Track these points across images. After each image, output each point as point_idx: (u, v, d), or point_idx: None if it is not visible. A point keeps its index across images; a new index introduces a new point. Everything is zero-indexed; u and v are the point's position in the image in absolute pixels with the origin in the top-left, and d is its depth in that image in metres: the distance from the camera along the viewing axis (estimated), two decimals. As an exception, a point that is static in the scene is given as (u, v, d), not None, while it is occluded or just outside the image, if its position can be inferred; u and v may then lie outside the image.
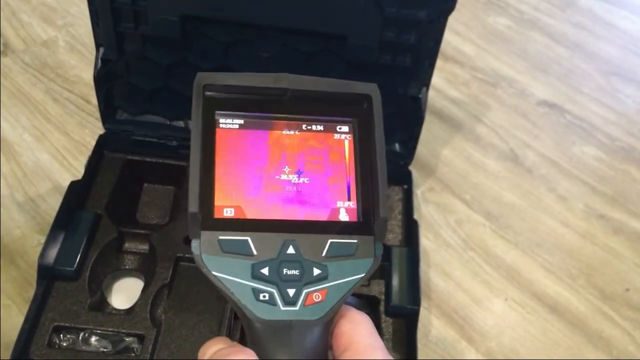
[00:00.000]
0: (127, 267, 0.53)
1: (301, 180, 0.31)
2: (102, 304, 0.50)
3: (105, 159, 0.58)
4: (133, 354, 0.47)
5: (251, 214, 0.30)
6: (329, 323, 0.29)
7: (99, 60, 0.54)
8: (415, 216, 0.57)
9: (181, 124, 0.59)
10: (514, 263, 0.59)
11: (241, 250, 0.29)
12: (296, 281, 0.29)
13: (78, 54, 0.72)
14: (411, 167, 0.60)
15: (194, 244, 0.29)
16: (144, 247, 0.54)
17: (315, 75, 0.31)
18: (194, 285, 0.50)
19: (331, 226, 0.31)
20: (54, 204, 0.57)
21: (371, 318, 0.50)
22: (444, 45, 0.51)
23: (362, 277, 0.30)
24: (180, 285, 0.50)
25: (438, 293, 0.56)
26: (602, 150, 0.69)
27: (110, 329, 0.47)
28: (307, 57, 0.53)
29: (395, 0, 0.48)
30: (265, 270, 0.29)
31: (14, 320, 0.49)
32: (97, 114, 0.58)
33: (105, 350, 0.47)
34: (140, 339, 0.47)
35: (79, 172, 0.59)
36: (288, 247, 0.29)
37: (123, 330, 0.47)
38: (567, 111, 0.73)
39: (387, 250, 0.53)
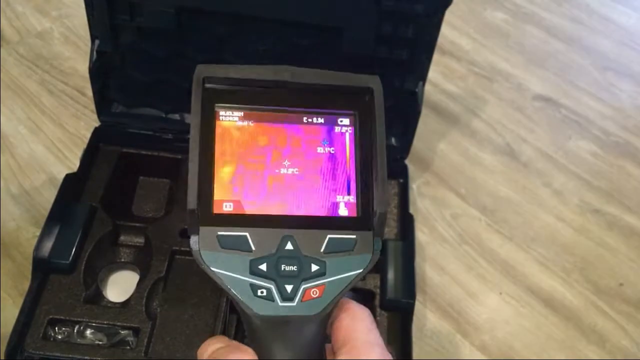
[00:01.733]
0: (123, 260, 0.53)
1: (301, 174, 0.31)
2: (97, 297, 0.50)
3: (100, 152, 0.57)
4: (128, 347, 0.47)
5: (250, 208, 0.30)
6: (326, 318, 0.29)
7: (94, 53, 0.54)
8: (411, 210, 0.58)
9: (177, 116, 0.59)
10: (509, 257, 0.59)
11: (240, 246, 0.29)
12: (294, 277, 0.29)
13: (73, 45, 0.72)
14: (407, 161, 0.60)
15: (193, 239, 0.29)
16: (139, 240, 0.53)
17: (312, 67, 0.31)
18: (190, 278, 0.50)
19: (330, 221, 0.31)
20: (48, 196, 0.57)
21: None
22: (441, 39, 0.51)
23: (360, 273, 0.30)
24: (176, 279, 0.50)
25: (433, 287, 0.56)
26: (598, 145, 0.70)
27: (105, 322, 0.47)
28: (303, 50, 0.53)
29: (393, -6, 0.48)
30: (263, 266, 0.29)
31: (9, 313, 0.49)
32: (93, 106, 0.58)
33: (100, 343, 0.47)
34: (136, 332, 0.47)
35: (74, 165, 0.59)
36: (286, 242, 0.29)
37: (118, 323, 0.47)
38: (562, 106, 0.73)
39: (383, 244, 0.53)
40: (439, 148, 0.67)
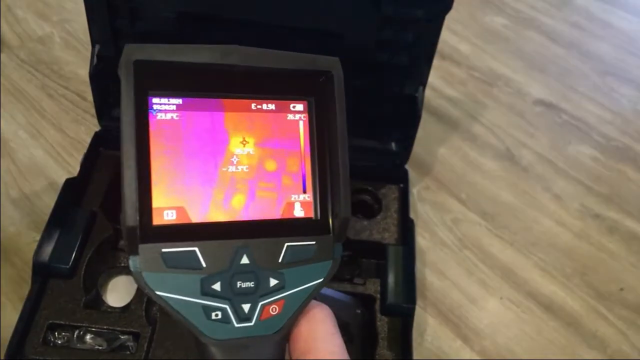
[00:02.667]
0: (123, 264, 0.53)
1: (251, 171, 0.27)
2: (97, 302, 0.50)
3: (100, 157, 0.58)
4: (128, 352, 0.47)
5: (196, 216, 0.26)
6: (287, 334, 0.27)
7: (95, 57, 0.54)
8: (411, 215, 0.58)
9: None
10: (510, 262, 0.59)
11: (188, 263, 0.25)
12: (251, 294, 0.26)
13: (74, 50, 0.72)
14: (407, 166, 0.60)
15: (132, 260, 0.25)
16: (139, 245, 0.53)
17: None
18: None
19: (286, 226, 0.27)
20: (49, 201, 0.57)
21: (367, 317, 0.51)
22: (441, 44, 0.51)
23: (320, 283, 0.27)
24: (176, 283, 0.50)
25: (433, 292, 0.56)
26: (598, 149, 0.70)
27: (105, 327, 0.47)
28: (303, 55, 0.53)
29: (393, -1, 0.48)
30: (216, 286, 0.25)
31: (9, 317, 0.49)
32: (93, 111, 0.58)
33: (100, 348, 0.47)
34: (136, 336, 0.47)
35: (74, 169, 0.59)
36: (241, 256, 0.26)
37: (118, 328, 0.47)
38: (563, 110, 0.73)
39: (383, 248, 0.53)
40: (439, 153, 0.67)
